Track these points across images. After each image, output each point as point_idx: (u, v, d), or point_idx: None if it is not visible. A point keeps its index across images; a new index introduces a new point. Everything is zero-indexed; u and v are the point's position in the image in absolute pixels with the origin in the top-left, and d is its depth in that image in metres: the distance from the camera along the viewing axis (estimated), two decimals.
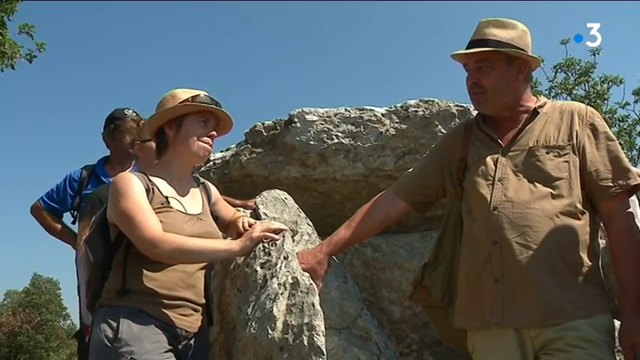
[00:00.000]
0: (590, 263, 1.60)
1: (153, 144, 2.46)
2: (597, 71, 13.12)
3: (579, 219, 1.62)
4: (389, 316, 3.02)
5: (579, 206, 1.62)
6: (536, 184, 1.63)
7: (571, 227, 1.60)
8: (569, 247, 1.58)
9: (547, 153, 1.66)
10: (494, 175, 1.68)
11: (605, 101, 13.03)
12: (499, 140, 1.74)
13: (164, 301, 1.71)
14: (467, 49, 1.73)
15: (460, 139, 1.83)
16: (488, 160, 1.71)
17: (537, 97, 1.82)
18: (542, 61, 13.15)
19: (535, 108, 1.75)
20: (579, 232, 1.60)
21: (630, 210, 1.64)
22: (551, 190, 1.62)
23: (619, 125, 12.98)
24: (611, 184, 1.63)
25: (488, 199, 1.65)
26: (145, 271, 1.71)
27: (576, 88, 13.12)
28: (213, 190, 2.02)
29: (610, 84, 12.95)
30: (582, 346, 1.50)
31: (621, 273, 1.59)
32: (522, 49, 1.71)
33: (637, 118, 13.38)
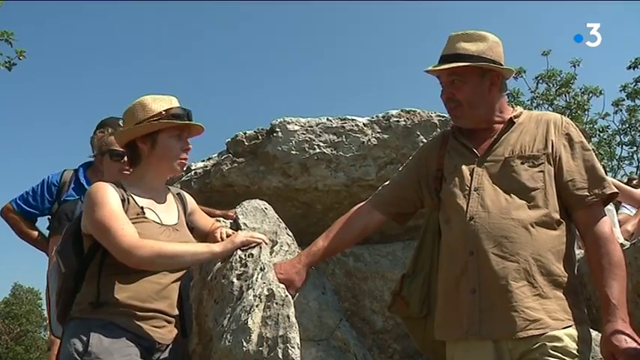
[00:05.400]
0: (567, 273, 1.61)
1: (108, 157, 2.44)
2: (577, 82, 13.39)
3: (555, 229, 1.62)
4: (371, 326, 3.01)
5: (555, 216, 1.62)
6: (512, 194, 1.63)
7: (547, 237, 1.60)
8: (545, 257, 1.58)
9: (522, 163, 1.66)
10: (470, 185, 1.68)
11: (586, 112, 13.28)
12: (475, 150, 1.75)
13: (136, 312, 1.69)
14: (439, 63, 1.74)
15: (437, 149, 1.84)
16: (464, 170, 1.72)
17: (513, 107, 1.83)
18: (525, 72, 13.41)
19: (511, 118, 1.75)
20: (555, 242, 1.61)
21: (606, 218, 1.64)
22: (526, 201, 1.62)
23: (599, 135, 13.22)
24: (586, 194, 1.64)
25: (465, 209, 1.65)
26: (118, 282, 1.69)
27: (557, 98, 13.35)
28: (190, 201, 2.00)
29: (590, 95, 13.20)
30: (558, 356, 1.50)
31: (599, 282, 1.58)
32: (494, 61, 1.72)
33: (617, 129, 13.64)
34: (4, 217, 2.80)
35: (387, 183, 1.98)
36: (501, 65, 1.74)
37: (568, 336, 1.53)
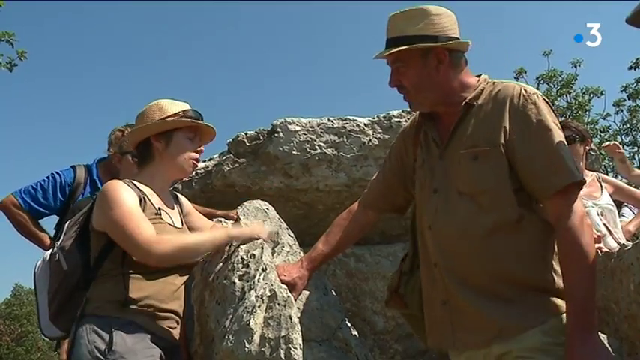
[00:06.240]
0: (536, 272, 1.49)
1: (129, 157, 2.44)
2: (578, 83, 13.39)
3: (512, 232, 1.49)
4: (372, 326, 3.01)
5: (513, 216, 1.48)
6: (465, 198, 1.53)
7: (503, 244, 1.48)
8: (506, 263, 1.47)
9: (475, 159, 1.52)
10: (431, 185, 1.60)
11: (587, 112, 13.27)
12: (438, 142, 1.62)
13: (156, 312, 1.69)
14: (385, 49, 1.61)
15: (412, 137, 1.74)
16: (427, 167, 1.63)
17: (478, 78, 1.64)
18: (526, 72, 13.36)
19: (468, 102, 1.57)
20: (513, 246, 1.48)
21: (576, 209, 1.45)
22: (478, 205, 1.50)
23: (600, 136, 13.21)
24: (547, 184, 1.46)
25: (425, 216, 1.60)
26: (136, 282, 1.68)
27: (558, 99, 13.34)
28: (185, 203, 2.02)
29: (591, 95, 13.20)
30: (529, 356, 1.42)
31: (565, 280, 1.44)
32: (436, 37, 1.55)
33: (618, 129, 13.64)
34: (7, 211, 2.58)
35: (374, 178, 1.91)
36: (449, 39, 1.56)
37: (543, 331, 1.43)
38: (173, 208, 1.89)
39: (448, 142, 1.59)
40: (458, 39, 1.60)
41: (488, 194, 1.50)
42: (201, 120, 1.88)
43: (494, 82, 1.63)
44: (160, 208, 1.77)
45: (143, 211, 1.71)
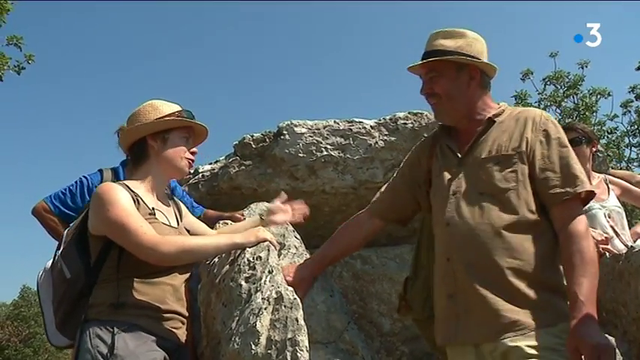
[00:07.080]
0: (547, 274, 1.56)
1: None
2: (586, 84, 13.30)
3: (530, 231, 1.58)
4: (379, 328, 3.01)
5: (530, 217, 1.58)
6: (486, 197, 1.61)
7: (520, 241, 1.56)
8: (519, 262, 1.54)
9: (496, 164, 1.63)
10: (450, 189, 1.67)
11: (594, 113, 13.18)
12: (457, 151, 1.72)
13: (157, 314, 1.69)
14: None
15: (427, 150, 1.83)
16: (446, 173, 1.71)
17: (498, 104, 1.78)
18: (532, 73, 13.31)
19: (490, 117, 1.71)
20: (530, 244, 1.57)
21: (581, 217, 1.58)
22: (499, 203, 1.59)
23: (607, 137, 13.12)
24: (559, 191, 1.59)
25: (443, 215, 1.65)
26: (135, 284, 1.68)
27: (565, 100, 13.27)
28: (184, 207, 2.03)
29: (598, 96, 13.11)
30: (538, 355, 1.46)
31: (569, 280, 1.52)
32: (471, 56, 1.69)
33: (625, 130, 13.54)
34: (39, 217, 2.64)
35: (383, 188, 1.96)
36: (480, 60, 1.71)
37: (551, 333, 1.49)
38: (169, 206, 1.89)
39: (469, 151, 1.70)
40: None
41: (508, 194, 1.60)
42: (199, 123, 1.89)
43: (513, 107, 1.79)
44: (153, 208, 1.77)
45: (137, 210, 1.71)
